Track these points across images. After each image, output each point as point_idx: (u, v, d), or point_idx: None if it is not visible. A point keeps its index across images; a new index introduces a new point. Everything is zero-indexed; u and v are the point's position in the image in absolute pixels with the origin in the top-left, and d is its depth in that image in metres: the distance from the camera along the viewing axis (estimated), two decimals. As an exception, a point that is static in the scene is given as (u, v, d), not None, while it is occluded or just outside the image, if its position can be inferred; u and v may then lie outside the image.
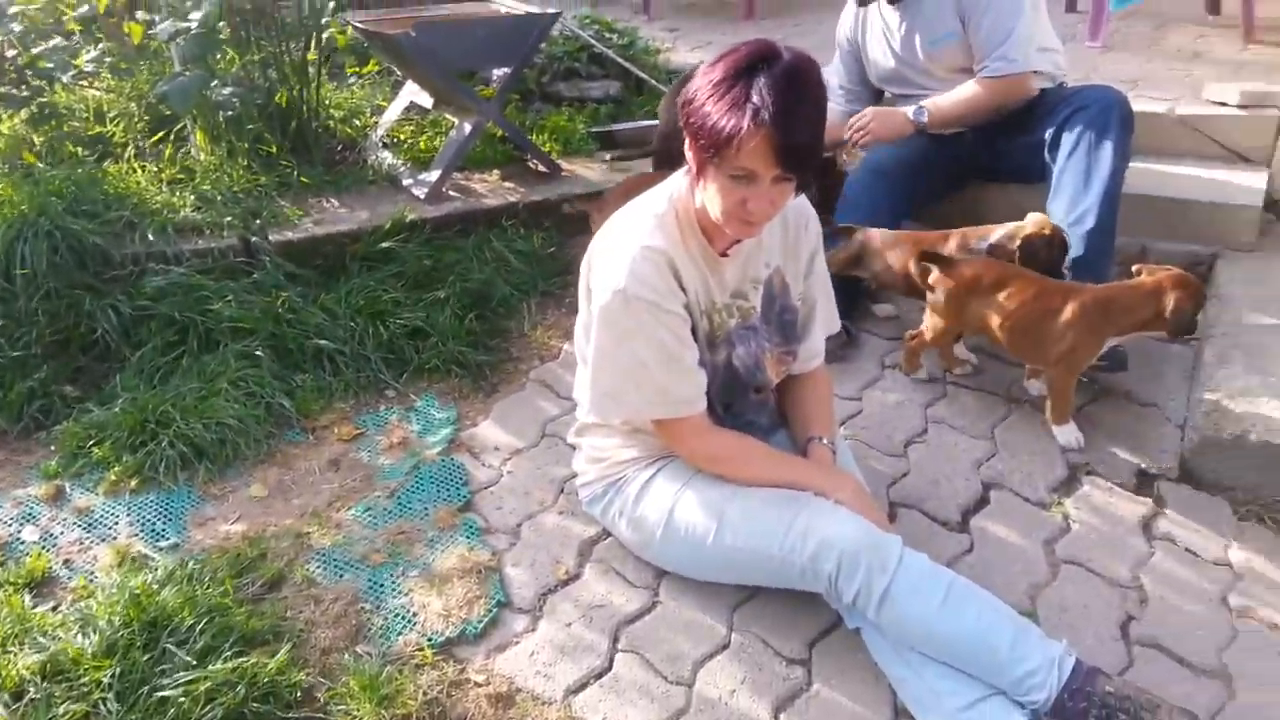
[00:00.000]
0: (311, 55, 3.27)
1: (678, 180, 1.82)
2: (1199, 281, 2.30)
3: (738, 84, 1.59)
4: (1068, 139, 2.70)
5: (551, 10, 3.18)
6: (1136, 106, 3.31)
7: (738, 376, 1.93)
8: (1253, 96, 3.16)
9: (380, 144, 3.51)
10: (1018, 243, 2.47)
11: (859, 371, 2.63)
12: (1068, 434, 2.30)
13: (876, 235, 2.71)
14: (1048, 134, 2.77)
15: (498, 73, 3.47)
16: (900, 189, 2.98)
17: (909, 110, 2.89)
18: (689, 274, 1.79)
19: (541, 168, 3.38)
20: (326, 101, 3.57)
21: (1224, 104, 3.24)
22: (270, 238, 2.93)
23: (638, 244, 1.74)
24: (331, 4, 3.13)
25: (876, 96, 3.19)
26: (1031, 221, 2.50)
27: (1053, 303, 2.25)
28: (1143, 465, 2.25)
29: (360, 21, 3.12)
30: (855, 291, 2.84)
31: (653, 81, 3.88)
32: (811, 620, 1.86)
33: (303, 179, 3.22)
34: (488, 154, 3.50)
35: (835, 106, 3.19)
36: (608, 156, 3.51)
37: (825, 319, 2.06)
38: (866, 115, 2.90)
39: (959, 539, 2.08)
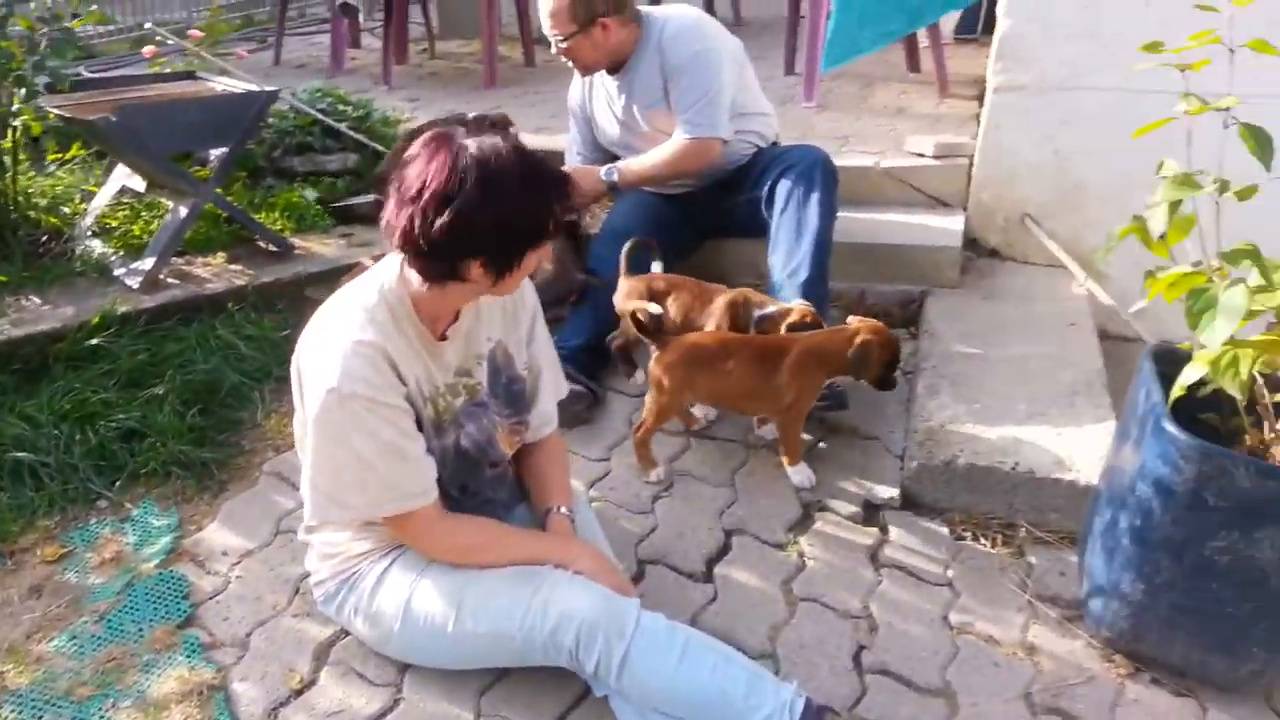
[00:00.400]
0: (6, 144, 3.01)
1: (386, 268, 1.77)
2: (888, 332, 2.44)
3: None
4: (780, 196, 2.86)
5: (269, 88, 3.07)
6: (848, 161, 3.61)
7: (470, 456, 1.89)
8: (945, 147, 3.47)
9: (89, 233, 3.26)
10: (783, 328, 2.50)
11: (607, 432, 2.64)
12: (800, 474, 2.40)
13: (661, 278, 2.77)
14: (763, 191, 2.93)
15: (215, 152, 3.31)
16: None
17: (602, 170, 3.01)
18: (407, 364, 1.74)
19: (272, 247, 3.24)
20: (29, 190, 3.29)
21: (922, 155, 3.54)
22: (-42, 343, 2.65)
23: (348, 339, 1.68)
24: (22, 90, 2.89)
25: (611, 160, 3.27)
26: (796, 310, 2.54)
27: (770, 360, 2.35)
28: (868, 497, 2.37)
29: (57, 106, 2.90)
30: (602, 352, 2.87)
31: (390, 152, 3.82)
32: (560, 694, 1.82)
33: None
34: (213, 236, 3.31)
35: (573, 162, 3.28)
36: (344, 232, 3.41)
37: (553, 384, 2.06)
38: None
39: (704, 589, 2.11)
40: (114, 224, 3.33)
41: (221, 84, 3.24)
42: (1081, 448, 2.34)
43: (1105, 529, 1.93)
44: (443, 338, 1.81)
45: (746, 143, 3.09)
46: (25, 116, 2.84)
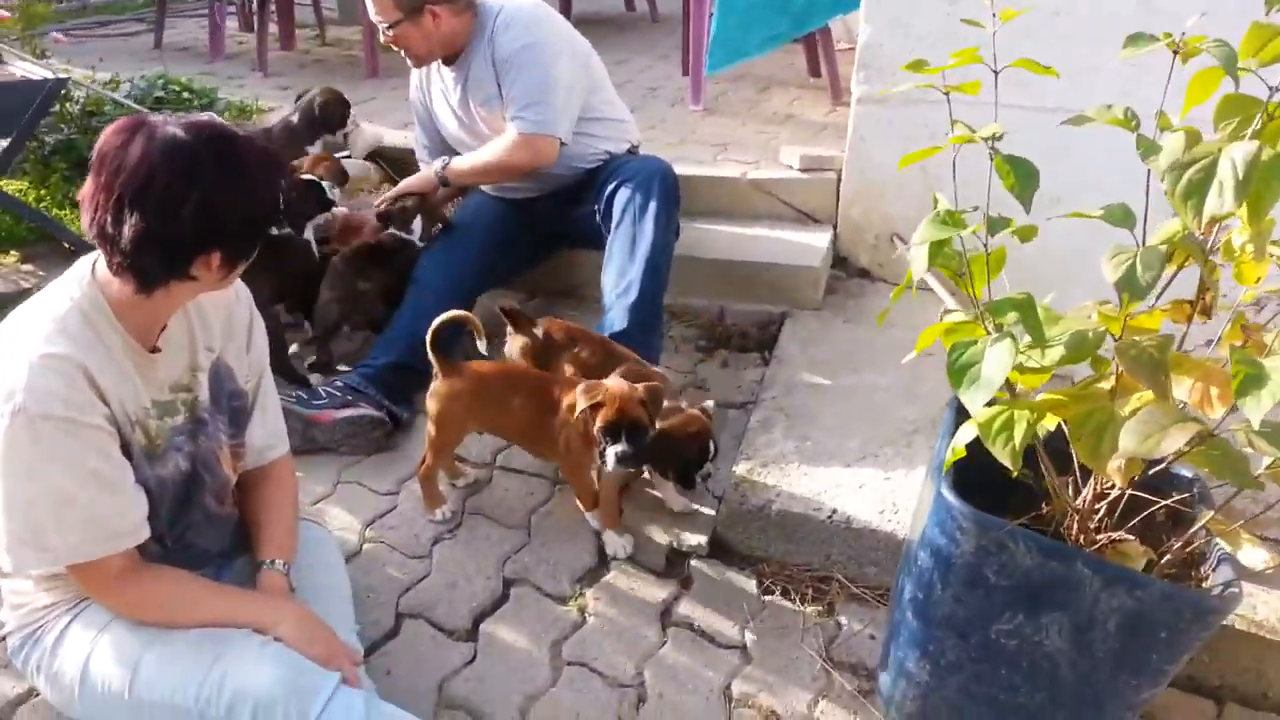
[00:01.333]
0: None
1: (80, 273, 1.52)
2: (701, 425, 2.10)
3: None
4: (616, 209, 2.65)
5: (57, 76, 2.79)
6: (719, 171, 3.40)
7: (191, 480, 1.65)
8: (811, 160, 3.27)
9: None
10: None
11: (403, 461, 2.40)
12: (614, 543, 2.13)
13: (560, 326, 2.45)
14: (600, 204, 2.70)
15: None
16: (474, 260, 2.83)
17: (437, 164, 2.81)
18: (109, 380, 1.49)
19: (72, 247, 2.95)
20: None
21: (791, 167, 3.34)
22: None
23: (35, 353, 1.42)
24: None
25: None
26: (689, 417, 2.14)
27: (551, 400, 2.11)
28: (675, 543, 2.15)
29: None
30: (414, 371, 2.62)
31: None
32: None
33: None
34: (15, 233, 3.03)
35: (423, 162, 3.07)
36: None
37: (276, 400, 1.84)
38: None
39: (463, 649, 1.88)
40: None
41: (21, 69, 2.95)
42: (909, 494, 2.14)
43: (897, 597, 1.72)
44: (154, 350, 1.57)
45: (595, 150, 2.86)
46: None
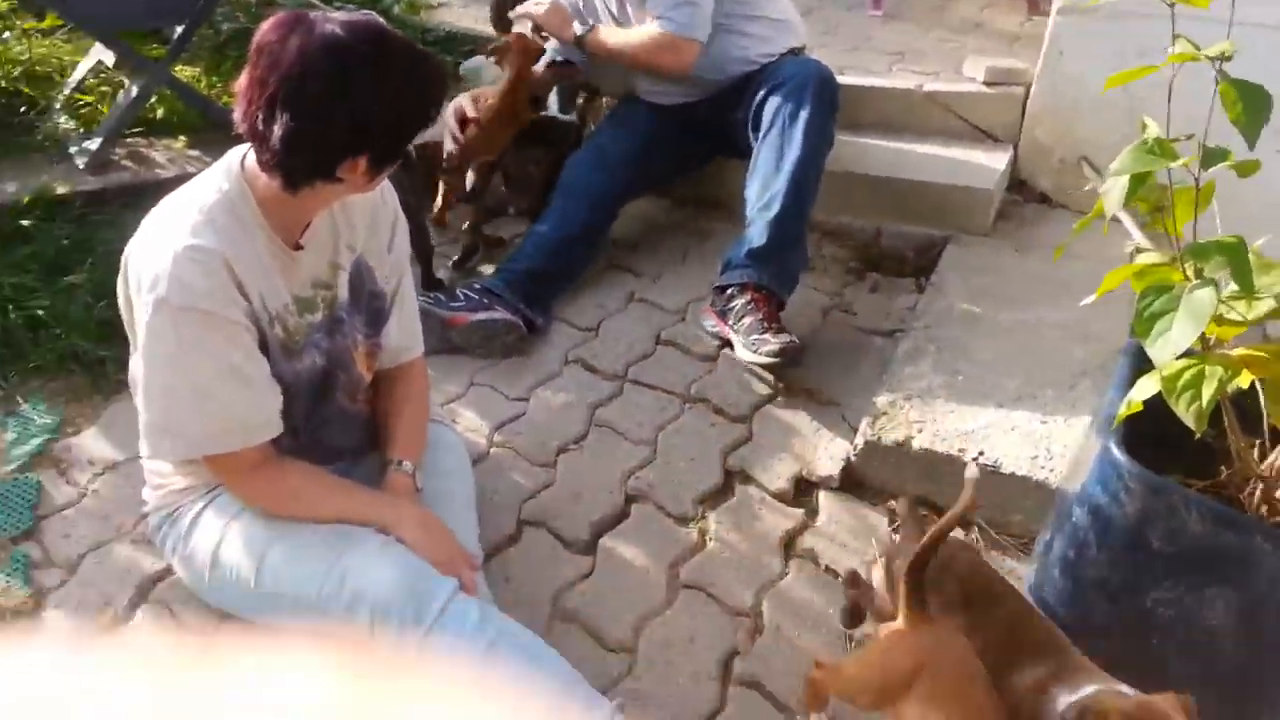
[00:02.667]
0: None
1: (230, 164, 1.52)
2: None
3: None
4: (766, 117, 2.49)
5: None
6: (892, 82, 3.17)
7: (326, 377, 1.66)
8: (997, 73, 2.99)
9: (62, 106, 3.11)
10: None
11: (535, 367, 2.37)
12: None
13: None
14: (751, 112, 2.55)
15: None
16: (623, 170, 2.74)
17: (578, 23, 2.68)
18: (252, 276, 1.50)
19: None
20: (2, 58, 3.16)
21: (974, 80, 3.07)
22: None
23: (180, 244, 1.43)
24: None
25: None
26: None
27: None
28: (805, 472, 2.05)
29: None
30: (555, 278, 2.58)
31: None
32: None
33: (-51, 146, 2.82)
34: (187, 118, 3.13)
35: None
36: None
37: (414, 301, 1.83)
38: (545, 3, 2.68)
39: (581, 562, 1.84)
40: (88, 99, 3.17)
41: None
42: (1067, 442, 1.95)
43: (1042, 552, 1.57)
44: (297, 247, 1.57)
45: (751, 51, 2.68)
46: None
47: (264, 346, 1.54)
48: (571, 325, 2.52)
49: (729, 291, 2.37)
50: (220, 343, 1.46)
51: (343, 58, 1.38)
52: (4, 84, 3.13)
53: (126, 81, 2.94)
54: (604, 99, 3.22)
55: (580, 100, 3.11)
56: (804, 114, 2.41)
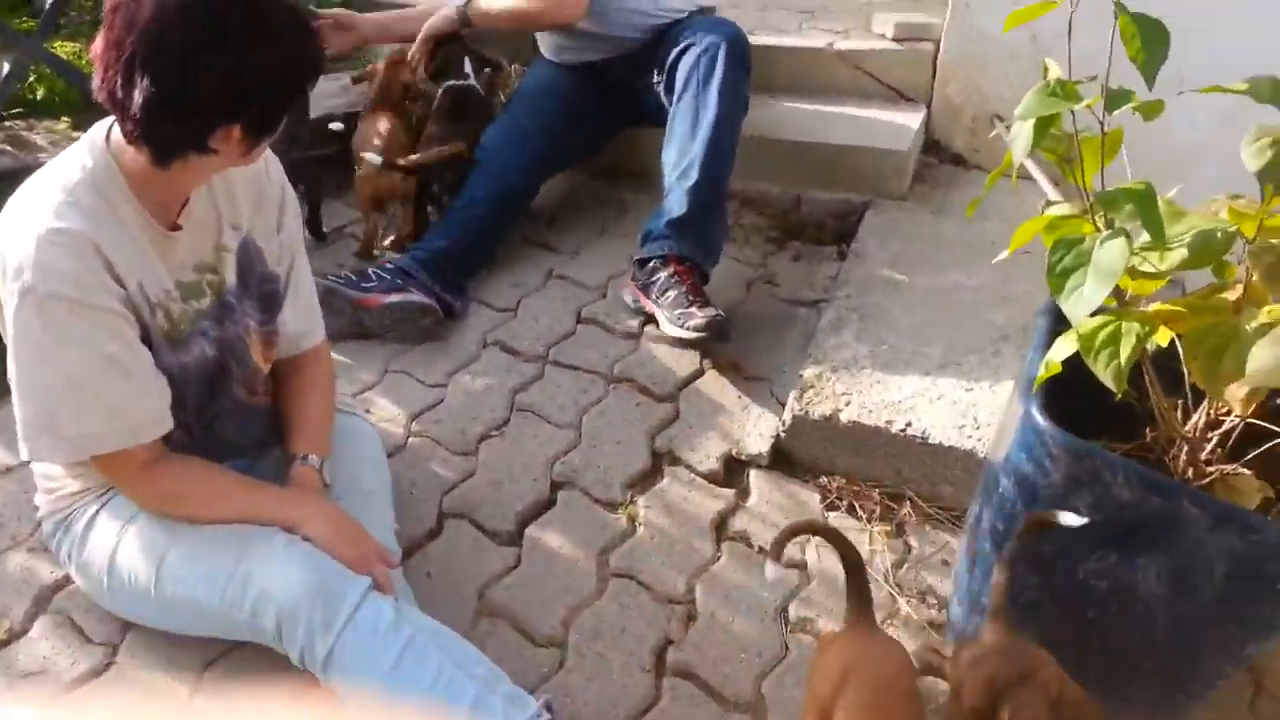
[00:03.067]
0: None
1: (95, 138, 1.40)
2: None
3: None
4: (679, 80, 2.42)
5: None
6: (801, 41, 3.12)
7: (218, 368, 1.57)
8: (907, 28, 2.96)
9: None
10: None
11: (453, 351, 2.29)
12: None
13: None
14: (663, 74, 2.49)
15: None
16: (538, 142, 2.65)
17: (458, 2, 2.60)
18: (126, 260, 1.39)
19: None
20: None
21: (883, 36, 3.04)
22: None
23: (42, 227, 1.32)
24: None
25: None
26: None
27: None
28: (734, 451, 2.02)
29: None
30: (470, 258, 2.49)
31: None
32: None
33: None
34: (64, 97, 2.94)
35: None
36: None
37: (309, 280, 1.72)
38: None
39: (506, 554, 1.79)
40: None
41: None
42: (993, 409, 1.96)
43: (973, 525, 1.57)
44: (174, 227, 1.46)
45: (657, 6, 2.62)
46: None
47: (146, 337, 1.44)
48: (489, 306, 2.44)
49: (651, 264, 2.32)
50: (93, 332, 1.36)
51: (209, 11, 1.26)
52: None
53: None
54: (513, 69, 3.13)
55: (486, 73, 3.01)
56: (717, 76, 2.35)
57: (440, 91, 2.70)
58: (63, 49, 3.11)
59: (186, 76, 1.26)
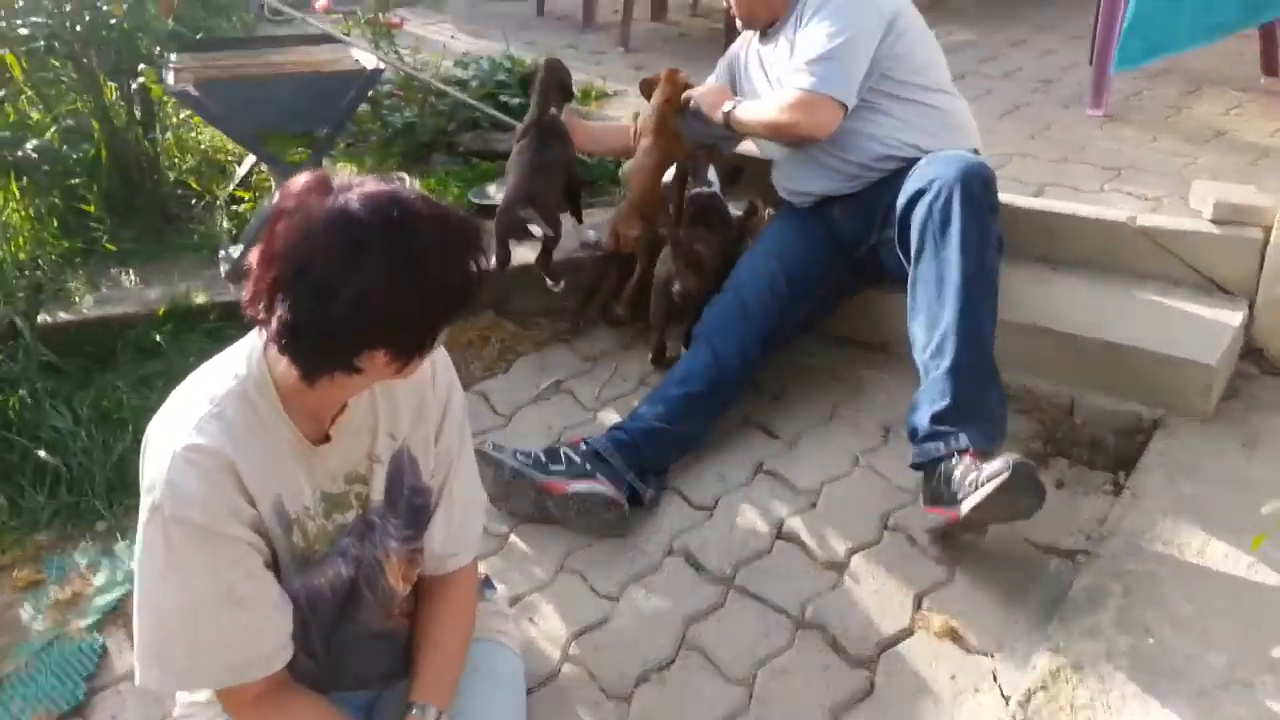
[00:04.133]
0: (156, 90, 2.91)
1: (252, 345, 1.36)
2: None
3: None
4: (913, 235, 2.14)
5: (373, 67, 2.73)
6: (1096, 209, 2.69)
7: (350, 594, 1.47)
8: (1230, 209, 2.45)
9: (222, 205, 3.14)
10: None
11: (634, 554, 2.08)
12: None
13: None
14: (895, 223, 2.24)
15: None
16: (769, 317, 2.46)
17: (729, 102, 2.50)
18: (265, 475, 1.33)
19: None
20: (180, 146, 3.24)
21: (1200, 214, 2.55)
22: (41, 318, 2.61)
23: (180, 442, 1.28)
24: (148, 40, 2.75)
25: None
26: None
27: None
28: (931, 754, 1.66)
29: (174, 64, 2.73)
30: (680, 440, 2.31)
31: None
32: None
33: (107, 245, 2.88)
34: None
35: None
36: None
37: (464, 497, 1.58)
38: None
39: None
40: (247, 198, 3.18)
41: (356, 54, 2.95)
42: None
43: None
44: (325, 438, 1.39)
45: (890, 133, 2.38)
46: (147, 77, 2.69)
47: (274, 562, 1.36)
48: (685, 499, 2.23)
49: (938, 470, 1.95)
50: (215, 561, 1.28)
51: (353, 237, 1.17)
52: (176, 175, 3.20)
53: (274, 182, 2.92)
54: (766, 213, 2.94)
55: (743, 212, 2.87)
56: (955, 227, 2.05)
57: (690, 196, 2.61)
58: (344, 168, 3.28)
59: (321, 303, 1.19)
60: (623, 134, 2.88)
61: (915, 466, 2.03)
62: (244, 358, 1.34)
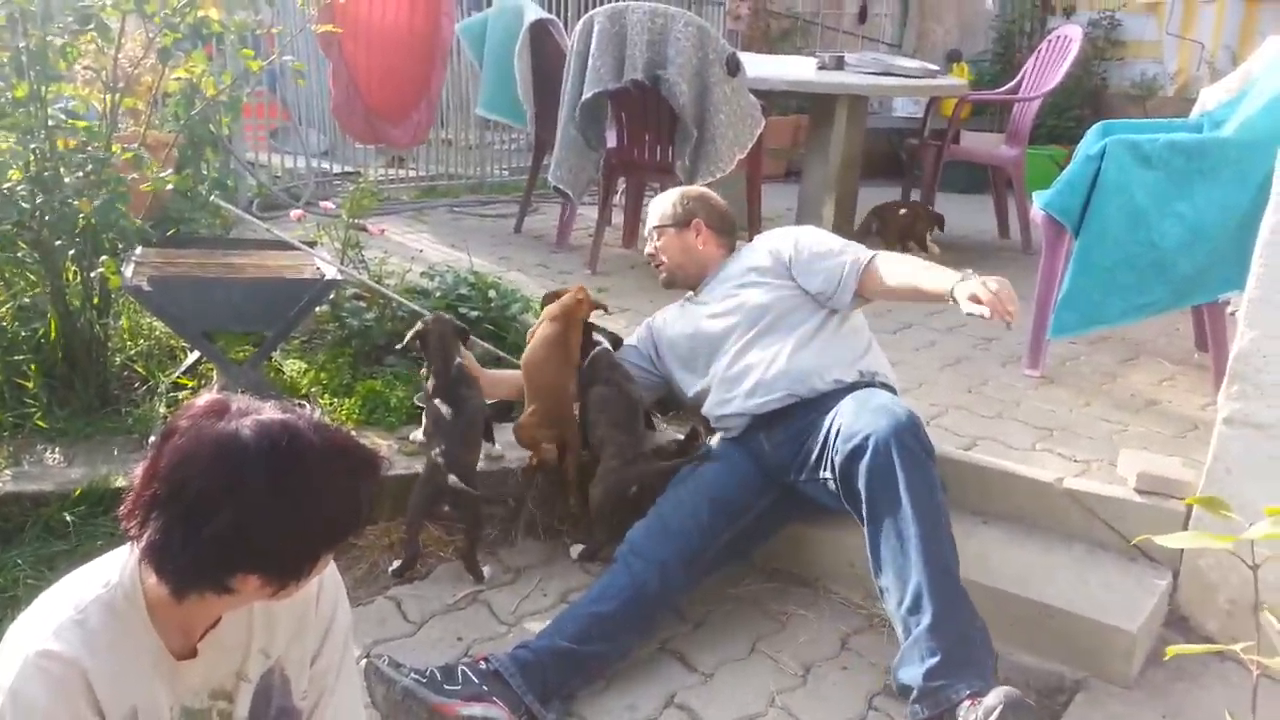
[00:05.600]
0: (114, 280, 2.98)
1: (127, 557, 1.33)
2: None
3: None
4: (861, 491, 2.23)
5: (330, 278, 2.83)
6: (1025, 468, 2.73)
7: None
8: (1153, 481, 2.50)
9: (169, 389, 3.15)
10: None
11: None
12: None
13: None
14: (828, 468, 2.35)
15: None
16: (693, 538, 2.44)
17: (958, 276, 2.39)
18: (119, 688, 1.27)
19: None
20: (126, 331, 3.29)
21: (1125, 482, 2.59)
22: (-45, 491, 2.55)
23: (35, 646, 1.24)
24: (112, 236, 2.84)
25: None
26: None
27: None
28: None
29: (135, 258, 2.82)
30: (580, 665, 2.22)
31: (506, 356, 3.47)
32: None
33: (39, 421, 2.86)
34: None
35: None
36: (411, 437, 3.02)
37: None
38: (995, 284, 2.35)
39: None
40: (190, 387, 3.20)
41: (318, 262, 3.06)
42: None
43: None
44: (193, 652, 1.33)
45: (834, 367, 2.54)
46: (104, 268, 2.76)
47: None
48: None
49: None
50: None
51: (235, 463, 1.19)
52: (123, 359, 3.22)
53: (217, 379, 2.95)
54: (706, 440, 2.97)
55: (684, 436, 2.94)
56: (900, 482, 2.16)
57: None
58: (292, 366, 3.33)
59: (190, 529, 1.19)
60: (517, 381, 2.89)
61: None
62: (118, 566, 1.32)
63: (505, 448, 2.90)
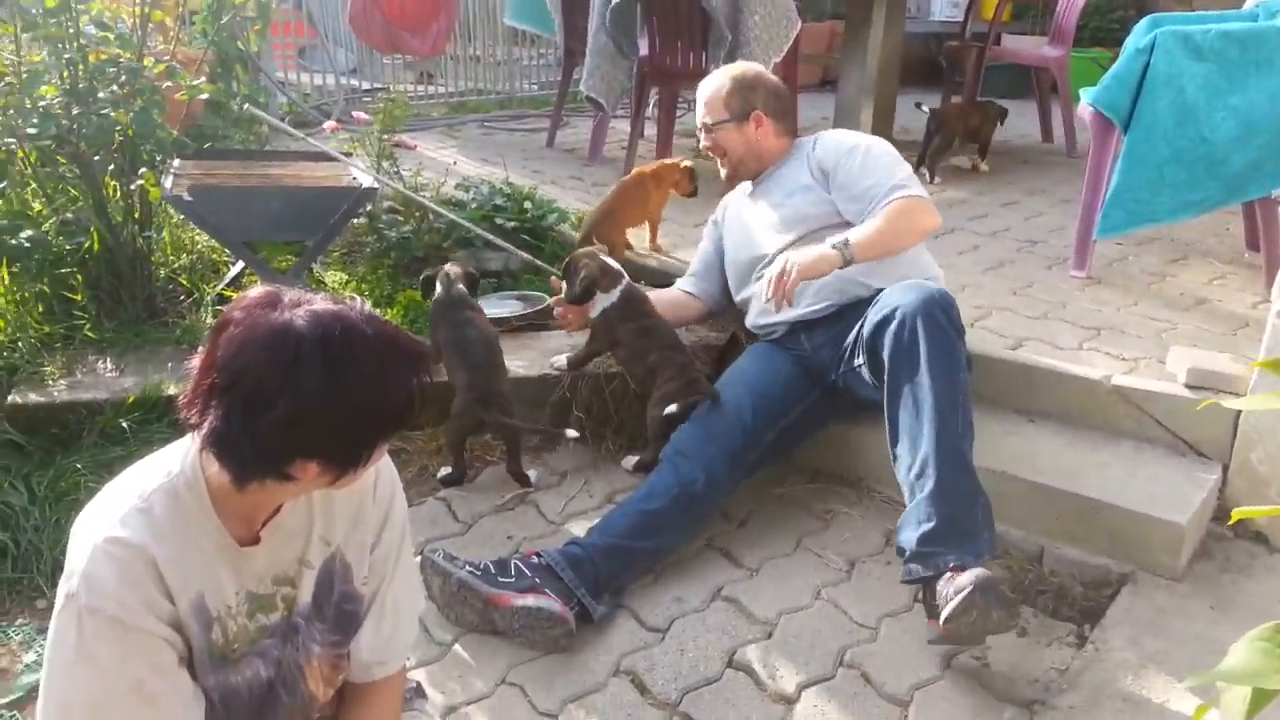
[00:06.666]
0: (154, 192, 3.00)
1: (188, 445, 1.34)
2: None
3: None
4: (885, 363, 2.21)
5: (368, 185, 2.82)
6: (1072, 366, 2.69)
7: (268, 700, 1.41)
8: (1204, 375, 2.47)
9: (214, 301, 3.18)
10: None
11: (579, 671, 2.00)
12: None
13: None
14: (861, 353, 2.36)
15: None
16: (737, 436, 2.45)
17: (830, 241, 2.40)
18: (186, 572, 1.29)
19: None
20: (169, 245, 3.31)
21: (1175, 378, 2.56)
22: (11, 398, 2.61)
23: (103, 533, 1.25)
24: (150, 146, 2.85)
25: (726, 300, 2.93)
26: None
27: None
28: None
29: (175, 170, 2.82)
30: (628, 560, 2.25)
31: (545, 266, 3.46)
32: None
33: (88, 332, 2.91)
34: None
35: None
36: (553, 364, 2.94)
37: (395, 608, 1.53)
38: (779, 264, 2.37)
39: None
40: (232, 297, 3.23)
41: (355, 172, 3.05)
42: None
43: None
44: (255, 539, 1.36)
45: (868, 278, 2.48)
46: (146, 180, 2.77)
47: (190, 656, 1.30)
48: (637, 620, 2.16)
49: (929, 588, 2.02)
50: (124, 655, 1.23)
51: (290, 352, 1.18)
52: (167, 272, 3.25)
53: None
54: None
55: (724, 343, 2.96)
56: (922, 355, 2.14)
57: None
58: (334, 277, 3.34)
59: (252, 414, 1.19)
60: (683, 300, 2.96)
61: (906, 582, 2.10)
62: (179, 456, 1.32)
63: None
